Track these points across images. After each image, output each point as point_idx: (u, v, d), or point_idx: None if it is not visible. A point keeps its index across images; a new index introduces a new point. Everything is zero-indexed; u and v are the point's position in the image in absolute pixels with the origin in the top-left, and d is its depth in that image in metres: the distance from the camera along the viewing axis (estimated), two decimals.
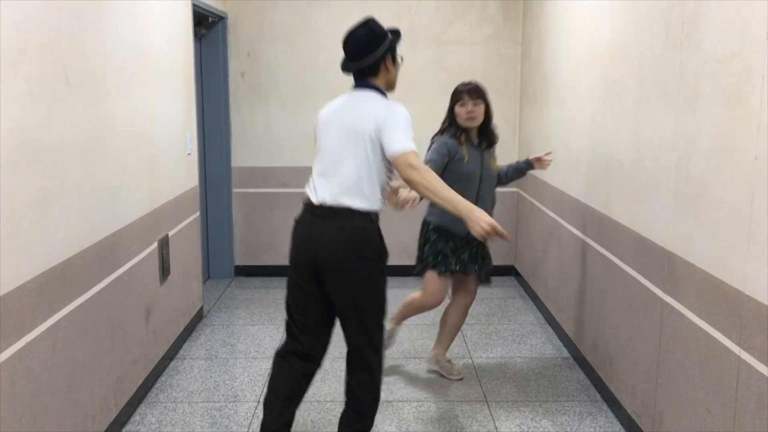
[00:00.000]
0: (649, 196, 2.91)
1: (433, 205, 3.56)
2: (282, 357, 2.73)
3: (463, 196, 3.42)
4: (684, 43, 2.57)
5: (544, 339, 4.35)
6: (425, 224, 3.61)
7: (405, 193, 2.97)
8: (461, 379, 3.73)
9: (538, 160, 3.72)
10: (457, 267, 3.55)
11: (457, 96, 3.49)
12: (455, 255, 3.53)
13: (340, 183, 2.58)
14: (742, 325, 2.17)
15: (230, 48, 5.45)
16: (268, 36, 5.47)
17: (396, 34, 2.71)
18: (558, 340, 4.30)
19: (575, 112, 4.04)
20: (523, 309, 4.97)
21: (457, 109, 3.47)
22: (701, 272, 2.43)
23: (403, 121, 2.54)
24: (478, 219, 2.44)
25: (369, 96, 2.66)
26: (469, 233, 3.49)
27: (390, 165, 2.60)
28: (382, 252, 2.66)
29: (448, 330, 3.77)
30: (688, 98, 2.53)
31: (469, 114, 3.45)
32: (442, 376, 3.75)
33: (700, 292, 2.45)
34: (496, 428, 3.19)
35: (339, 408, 3.35)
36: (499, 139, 3.69)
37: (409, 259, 5.80)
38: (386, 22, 6.08)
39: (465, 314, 3.77)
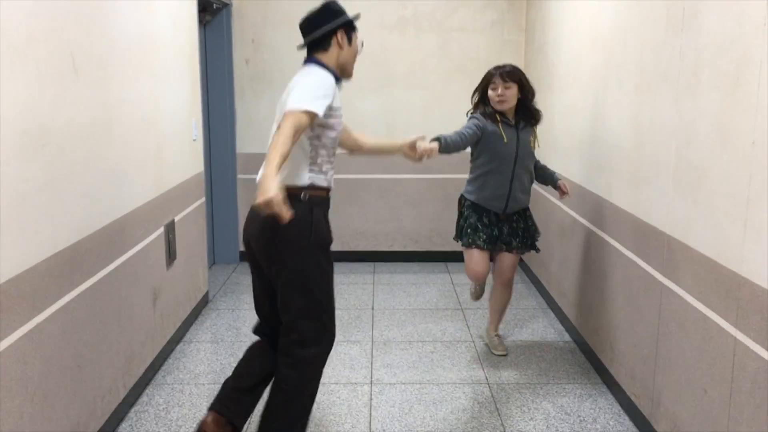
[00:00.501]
0: (649, 181, 2.94)
1: (469, 182, 3.71)
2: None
3: (498, 174, 3.57)
4: (685, 28, 2.59)
5: (546, 323, 4.40)
6: (462, 200, 3.75)
7: (422, 145, 3.01)
8: (505, 355, 3.86)
9: (561, 190, 3.68)
10: (487, 242, 3.64)
11: (489, 78, 3.57)
12: (486, 230, 3.64)
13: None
14: (738, 307, 2.21)
15: (235, 35, 5.47)
16: (273, 23, 5.49)
17: (355, 18, 2.65)
18: (560, 325, 4.34)
19: (577, 98, 4.06)
20: (526, 294, 5.01)
21: (490, 92, 3.55)
22: (699, 255, 2.47)
23: (312, 82, 2.39)
24: (262, 191, 2.13)
25: (305, 69, 2.55)
26: (505, 210, 3.62)
27: (312, 132, 2.45)
28: (316, 236, 2.50)
29: (493, 308, 3.94)
30: (689, 84, 2.55)
31: (500, 98, 3.52)
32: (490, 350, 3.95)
33: (698, 275, 2.48)
34: (498, 410, 3.24)
35: (343, 390, 3.41)
36: (542, 117, 3.72)
37: (414, 245, 5.86)
38: (391, 10, 6.07)
39: (506, 291, 3.88)
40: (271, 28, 5.50)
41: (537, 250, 3.85)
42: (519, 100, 3.57)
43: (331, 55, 2.57)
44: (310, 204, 2.50)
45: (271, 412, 2.60)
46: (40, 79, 2.31)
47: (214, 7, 5.15)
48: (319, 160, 2.50)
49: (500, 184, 3.59)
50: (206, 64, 5.31)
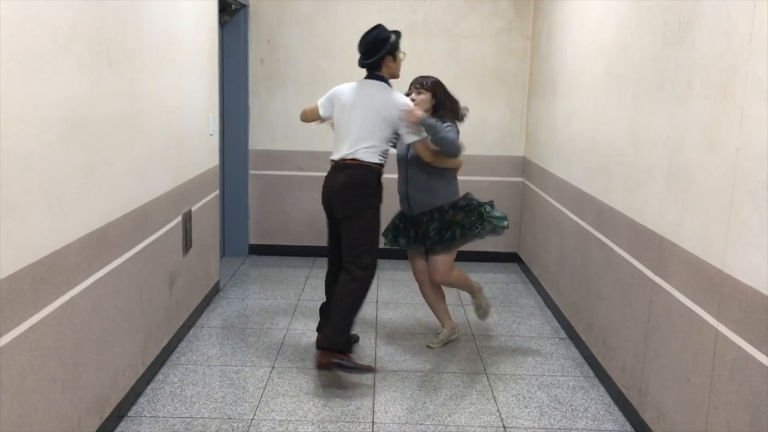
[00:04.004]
0: (644, 185, 3.12)
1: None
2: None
3: (399, 175, 3.93)
4: (680, 41, 2.77)
5: (543, 320, 4.57)
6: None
7: None
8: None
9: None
10: (409, 242, 3.93)
11: (410, 87, 3.86)
12: (406, 231, 3.94)
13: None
14: (720, 301, 2.39)
15: (251, 35, 5.66)
16: (288, 24, 5.68)
17: (397, 35, 3.56)
18: (556, 322, 4.52)
19: (579, 105, 4.24)
20: (524, 293, 5.19)
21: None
22: (687, 254, 2.65)
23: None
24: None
25: (377, 84, 3.57)
26: (410, 210, 3.88)
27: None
28: (379, 195, 3.57)
29: (433, 308, 4.11)
30: (682, 93, 2.73)
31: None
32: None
33: (686, 272, 2.66)
34: (494, 397, 3.42)
35: (349, 375, 3.58)
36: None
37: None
38: (402, 15, 6.26)
39: (433, 288, 4.02)
40: (286, 29, 5.69)
41: (462, 239, 3.81)
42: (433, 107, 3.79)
43: (384, 72, 3.59)
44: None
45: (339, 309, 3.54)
46: (81, 71, 2.50)
47: (233, 8, 5.34)
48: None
49: (400, 186, 3.90)
50: (223, 63, 5.50)
